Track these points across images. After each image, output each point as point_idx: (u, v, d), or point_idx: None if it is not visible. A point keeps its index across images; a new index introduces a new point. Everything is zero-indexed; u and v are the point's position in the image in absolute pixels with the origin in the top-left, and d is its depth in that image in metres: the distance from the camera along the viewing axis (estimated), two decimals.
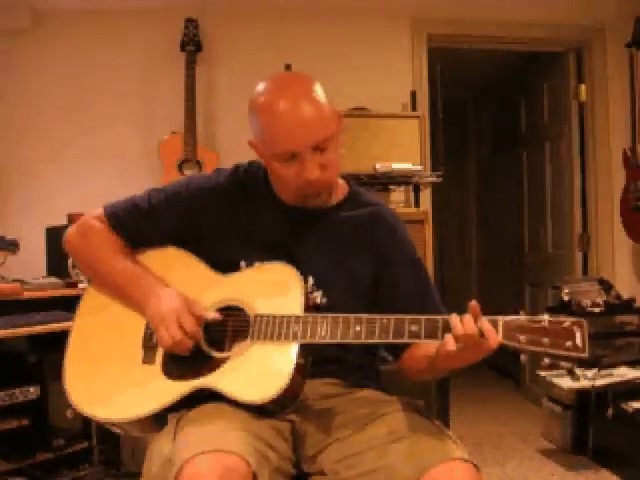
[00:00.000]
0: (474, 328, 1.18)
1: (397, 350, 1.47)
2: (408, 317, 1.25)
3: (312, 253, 1.46)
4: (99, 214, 1.51)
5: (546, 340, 1.15)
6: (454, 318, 1.20)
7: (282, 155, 1.36)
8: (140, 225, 1.49)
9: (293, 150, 1.35)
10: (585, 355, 1.13)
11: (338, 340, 1.28)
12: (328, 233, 1.49)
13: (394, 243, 1.52)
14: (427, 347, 1.33)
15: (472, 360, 1.22)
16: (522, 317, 1.19)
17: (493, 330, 1.18)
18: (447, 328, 1.20)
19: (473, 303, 1.22)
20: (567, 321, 1.16)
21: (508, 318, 1.19)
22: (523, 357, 1.22)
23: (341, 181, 1.55)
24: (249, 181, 1.52)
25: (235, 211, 1.49)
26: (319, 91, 1.38)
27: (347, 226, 1.50)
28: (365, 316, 1.28)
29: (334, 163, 1.41)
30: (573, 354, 1.14)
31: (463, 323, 1.19)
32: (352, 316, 1.28)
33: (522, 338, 1.17)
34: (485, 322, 1.18)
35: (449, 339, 1.19)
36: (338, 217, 1.51)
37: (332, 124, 1.38)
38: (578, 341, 1.14)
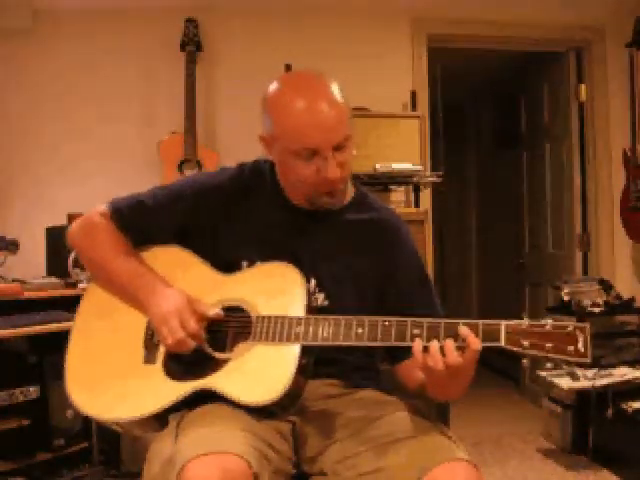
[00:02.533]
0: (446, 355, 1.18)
1: (395, 357, 1.46)
2: (410, 320, 1.24)
3: (316, 254, 1.45)
4: (103, 210, 1.50)
5: (549, 345, 1.15)
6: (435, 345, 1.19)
7: (302, 153, 1.35)
8: (144, 222, 1.49)
9: (315, 148, 1.34)
10: (587, 360, 1.13)
11: (340, 342, 1.27)
12: (333, 235, 1.48)
13: (399, 249, 1.51)
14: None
15: (463, 375, 1.22)
16: (525, 321, 1.18)
17: (472, 334, 1.17)
18: (449, 331, 1.20)
19: None
20: (570, 326, 1.16)
21: (511, 322, 1.19)
22: (525, 361, 1.22)
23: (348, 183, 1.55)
24: (254, 180, 1.51)
25: (238, 210, 1.48)
26: (338, 89, 1.38)
27: (352, 229, 1.50)
28: (367, 318, 1.27)
29: (350, 162, 1.41)
30: (575, 359, 1.14)
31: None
32: (354, 318, 1.28)
33: (525, 343, 1.16)
34: (463, 328, 1.18)
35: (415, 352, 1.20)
36: (344, 219, 1.50)
37: (351, 123, 1.39)
38: (580, 346, 1.14)
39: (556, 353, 1.15)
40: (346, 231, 1.50)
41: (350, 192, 1.54)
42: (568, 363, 1.16)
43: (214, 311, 1.37)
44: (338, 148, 1.35)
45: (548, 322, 1.17)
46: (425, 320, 1.24)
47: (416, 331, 1.23)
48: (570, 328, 1.16)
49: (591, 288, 3.46)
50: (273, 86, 1.40)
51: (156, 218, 1.49)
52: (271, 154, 1.46)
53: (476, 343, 1.17)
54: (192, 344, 1.34)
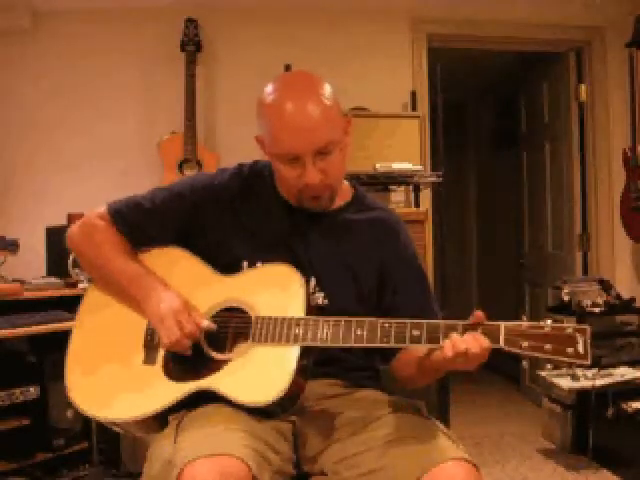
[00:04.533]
0: (471, 346, 1.17)
1: (388, 355, 1.47)
2: (410, 322, 1.24)
3: (315, 255, 1.46)
4: (102, 212, 1.50)
5: (548, 346, 1.15)
6: (455, 337, 1.19)
7: (283, 156, 1.36)
8: (143, 224, 1.49)
9: (295, 153, 1.34)
10: (587, 362, 1.13)
11: (339, 343, 1.27)
12: (332, 235, 1.49)
13: (397, 249, 1.52)
14: (415, 351, 1.33)
15: (469, 367, 1.21)
16: (524, 323, 1.18)
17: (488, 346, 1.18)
18: (448, 333, 1.20)
19: (478, 314, 1.21)
20: (570, 327, 1.16)
21: (510, 324, 1.19)
22: (525, 362, 1.22)
23: (346, 184, 1.55)
24: (253, 180, 1.51)
25: (238, 210, 1.48)
26: (327, 94, 1.37)
27: (351, 229, 1.50)
28: (367, 320, 1.27)
29: (337, 167, 1.40)
30: (575, 361, 1.14)
31: (466, 342, 1.18)
32: (354, 319, 1.28)
33: (524, 344, 1.16)
34: (482, 339, 1.18)
35: (447, 346, 1.19)
36: (342, 220, 1.51)
37: (338, 128, 1.38)
38: (580, 348, 1.14)
39: (555, 355, 1.15)
40: (345, 231, 1.50)
41: (348, 193, 1.55)
42: (568, 365, 1.16)
43: (205, 323, 1.36)
44: (320, 153, 1.35)
45: (547, 323, 1.17)
46: (425, 321, 1.24)
47: (415, 332, 1.23)
48: (570, 330, 1.15)
49: (591, 288, 3.46)
50: (266, 87, 1.40)
51: (155, 219, 1.48)
52: (265, 154, 1.46)
53: (485, 341, 1.17)
54: (188, 345, 1.34)
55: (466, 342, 1.18)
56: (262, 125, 1.40)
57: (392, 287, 1.48)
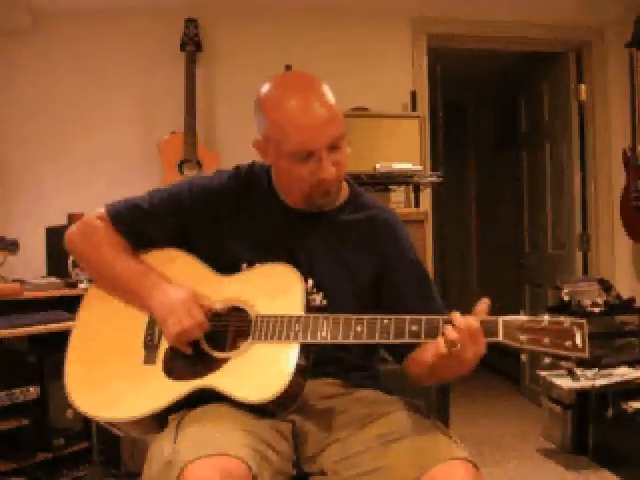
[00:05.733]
0: (473, 323, 1.18)
1: (398, 352, 1.46)
2: (408, 317, 1.25)
3: (313, 255, 1.46)
4: (101, 214, 1.51)
5: (546, 340, 1.16)
6: (456, 315, 1.20)
7: (297, 154, 1.36)
8: (141, 225, 1.49)
9: (310, 149, 1.34)
10: (585, 355, 1.14)
11: (339, 340, 1.28)
12: (329, 235, 1.49)
13: (395, 245, 1.51)
14: (426, 351, 1.34)
15: (466, 363, 1.21)
16: (522, 317, 1.19)
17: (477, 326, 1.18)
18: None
19: (484, 303, 1.22)
20: (567, 321, 1.17)
21: (508, 318, 1.20)
22: (523, 356, 1.23)
23: (343, 183, 1.55)
24: (251, 182, 1.52)
25: (236, 212, 1.49)
26: (328, 89, 1.39)
27: (348, 228, 1.50)
28: (366, 316, 1.28)
29: (346, 161, 1.42)
30: (573, 354, 1.15)
31: (465, 318, 1.19)
32: (353, 316, 1.28)
33: (523, 338, 1.17)
34: (470, 319, 1.19)
35: (440, 341, 1.19)
36: (340, 219, 1.51)
37: (342, 122, 1.39)
38: (578, 341, 1.14)
39: (553, 348, 1.16)
40: (342, 231, 1.50)
41: (344, 192, 1.54)
42: (566, 358, 1.17)
43: (219, 305, 1.38)
44: (333, 147, 1.36)
45: (545, 318, 1.18)
46: (423, 317, 1.24)
47: (414, 328, 1.23)
48: (567, 324, 1.16)
49: (591, 288, 3.46)
50: (266, 88, 1.40)
51: (153, 220, 1.49)
52: (266, 158, 1.46)
53: (472, 320, 1.18)
54: (199, 333, 1.35)
55: (456, 331, 1.18)
56: (266, 127, 1.39)
57: (393, 285, 1.48)
